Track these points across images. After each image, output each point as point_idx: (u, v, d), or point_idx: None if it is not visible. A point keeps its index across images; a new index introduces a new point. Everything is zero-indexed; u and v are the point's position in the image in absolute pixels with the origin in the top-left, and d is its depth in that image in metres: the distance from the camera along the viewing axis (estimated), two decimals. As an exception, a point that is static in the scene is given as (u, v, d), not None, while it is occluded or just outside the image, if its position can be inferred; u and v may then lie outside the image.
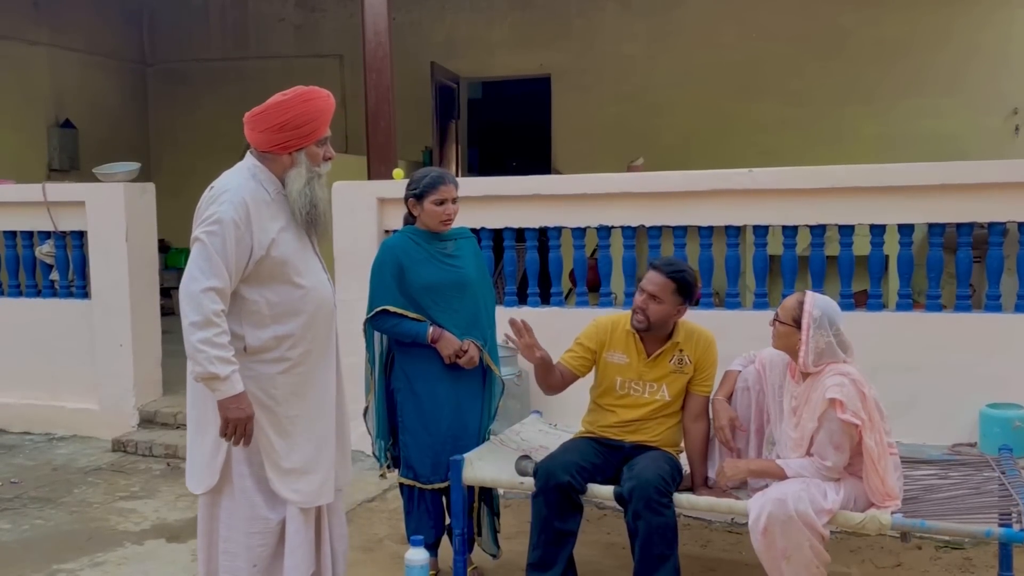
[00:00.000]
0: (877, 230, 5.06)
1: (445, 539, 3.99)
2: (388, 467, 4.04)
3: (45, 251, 6.69)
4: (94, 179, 6.50)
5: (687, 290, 3.69)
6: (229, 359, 2.97)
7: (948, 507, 3.42)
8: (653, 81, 9.74)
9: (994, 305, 4.94)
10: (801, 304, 3.44)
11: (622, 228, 5.46)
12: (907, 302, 5.10)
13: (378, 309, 3.80)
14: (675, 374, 3.73)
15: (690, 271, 3.75)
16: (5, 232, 6.78)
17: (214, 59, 11.24)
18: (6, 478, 5.62)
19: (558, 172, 9.45)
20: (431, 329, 3.77)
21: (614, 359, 3.78)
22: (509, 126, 12.07)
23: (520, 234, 5.76)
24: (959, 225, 4.94)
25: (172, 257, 10.71)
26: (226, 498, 3.16)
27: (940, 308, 5.02)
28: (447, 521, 3.95)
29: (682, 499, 3.53)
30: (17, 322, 6.69)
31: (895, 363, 4.78)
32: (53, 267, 6.68)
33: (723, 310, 5.36)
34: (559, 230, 5.61)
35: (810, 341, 3.39)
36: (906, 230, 5.03)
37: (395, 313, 3.78)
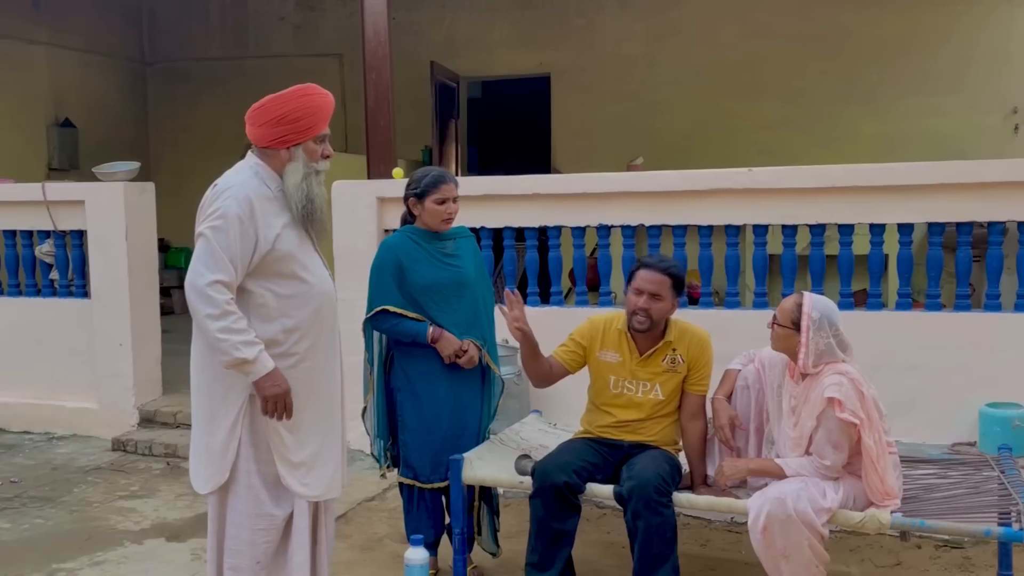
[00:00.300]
0: (877, 229, 5.06)
1: (445, 538, 3.99)
2: (388, 466, 4.04)
3: (45, 250, 6.69)
4: (94, 178, 6.50)
5: (681, 284, 3.73)
6: (253, 341, 3.01)
7: (947, 506, 3.42)
8: (653, 80, 9.74)
9: (994, 304, 4.94)
10: (799, 306, 3.44)
11: (622, 227, 5.46)
12: (907, 301, 5.10)
13: (377, 309, 3.80)
14: (668, 373, 3.73)
15: (679, 264, 3.85)
16: (5, 231, 6.77)
17: (214, 58, 11.24)
18: (6, 477, 5.62)
19: (558, 171, 9.46)
20: (431, 329, 3.77)
21: (607, 358, 3.78)
22: (509, 125, 12.08)
23: (520, 233, 5.76)
24: (959, 224, 4.94)
25: (172, 256, 10.71)
26: (232, 496, 3.19)
27: (940, 307, 5.02)
28: (447, 520, 3.95)
29: (682, 498, 3.53)
30: (17, 321, 6.69)
31: (894, 362, 4.78)
32: (53, 266, 6.68)
33: (723, 309, 5.36)
34: (559, 229, 5.61)
35: (810, 343, 3.39)
36: (906, 229, 5.04)
37: (394, 313, 3.78)
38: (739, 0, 9.51)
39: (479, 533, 3.98)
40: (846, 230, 5.09)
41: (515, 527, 4.32)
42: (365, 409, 4.03)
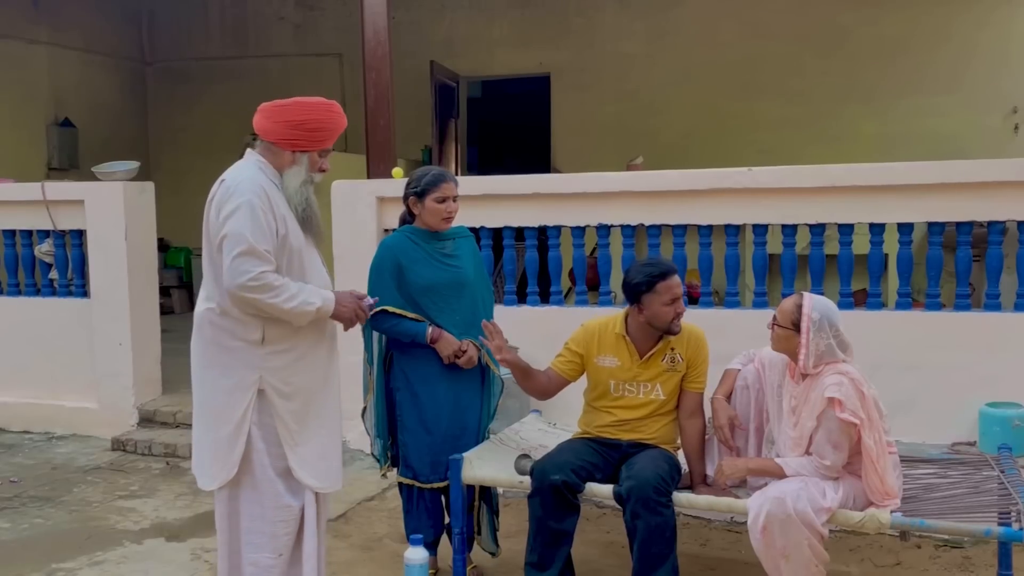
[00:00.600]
0: (876, 229, 5.06)
1: (444, 538, 3.99)
2: (387, 466, 4.04)
3: (44, 250, 6.68)
4: (93, 178, 6.50)
5: None
6: (309, 295, 3.18)
7: (947, 506, 3.42)
8: (652, 80, 9.74)
9: (993, 304, 4.94)
10: (799, 307, 3.44)
11: (621, 227, 5.46)
12: (906, 301, 5.10)
13: (377, 309, 3.80)
14: (668, 372, 3.73)
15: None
16: (4, 231, 6.77)
17: (213, 58, 11.24)
18: (5, 477, 5.62)
19: (557, 171, 9.46)
20: (430, 329, 3.76)
21: (605, 362, 3.77)
22: (508, 125, 12.08)
23: (519, 233, 5.76)
24: (958, 224, 4.94)
25: (171, 256, 10.71)
26: (247, 490, 3.24)
27: (939, 307, 5.02)
28: (446, 520, 3.95)
29: (681, 498, 3.53)
30: (16, 321, 6.69)
31: (894, 362, 4.78)
32: (52, 266, 6.68)
33: (723, 309, 5.35)
34: (558, 229, 5.61)
35: (810, 344, 3.39)
36: (905, 229, 5.03)
37: (394, 313, 3.78)
38: (739, 0, 9.51)
39: (479, 533, 3.97)
40: (846, 230, 5.09)
41: (515, 527, 4.32)
42: (365, 409, 4.03)
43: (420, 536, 3.57)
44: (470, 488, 3.82)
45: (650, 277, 3.62)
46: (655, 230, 5.39)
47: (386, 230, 5.64)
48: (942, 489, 3.60)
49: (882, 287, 5.21)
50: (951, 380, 4.81)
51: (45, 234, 6.66)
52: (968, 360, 4.81)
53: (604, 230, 5.54)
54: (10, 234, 6.77)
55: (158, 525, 4.78)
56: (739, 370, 3.75)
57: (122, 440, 6.17)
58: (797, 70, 9.28)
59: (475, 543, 3.99)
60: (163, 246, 9.91)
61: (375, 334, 3.95)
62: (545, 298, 5.72)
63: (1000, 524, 3.24)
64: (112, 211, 6.28)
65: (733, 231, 5.31)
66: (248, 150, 3.34)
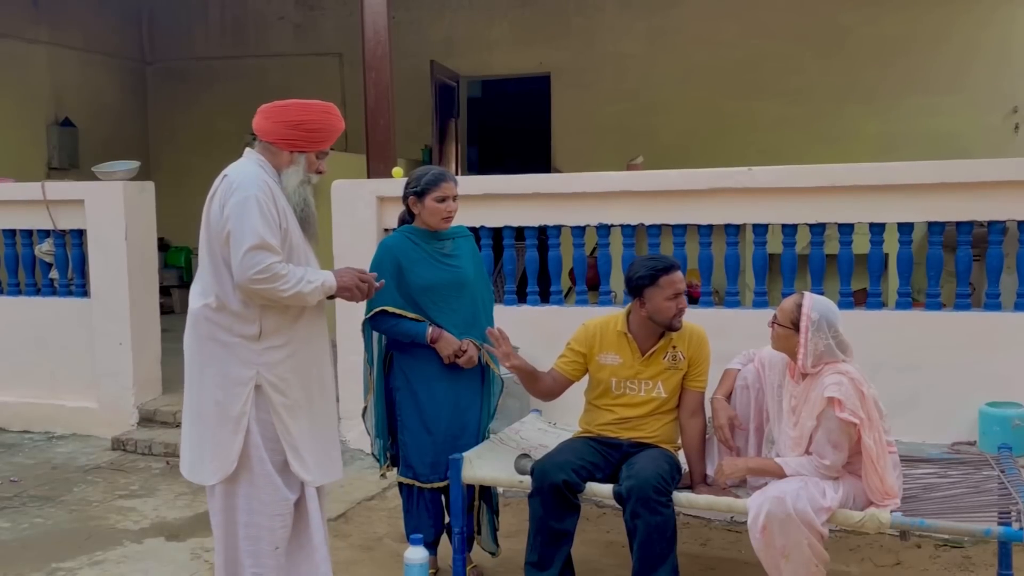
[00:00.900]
0: (877, 228, 5.06)
1: (444, 538, 3.99)
2: (387, 466, 4.04)
3: (44, 249, 6.68)
4: (93, 177, 6.50)
5: None
6: (312, 275, 3.23)
7: (947, 506, 3.42)
8: (652, 79, 9.74)
9: (994, 304, 4.93)
10: (799, 306, 3.44)
11: (621, 227, 5.46)
12: (907, 300, 5.10)
13: (377, 309, 3.80)
14: (670, 371, 3.74)
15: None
16: (4, 230, 6.77)
17: (213, 57, 11.24)
18: (5, 477, 5.62)
19: (558, 170, 9.45)
20: (430, 329, 3.76)
21: (607, 360, 3.77)
22: (508, 125, 12.07)
23: (520, 232, 5.75)
24: (959, 223, 4.94)
25: (171, 255, 10.71)
26: (244, 485, 3.27)
27: (940, 307, 5.01)
28: (446, 520, 3.95)
29: (681, 497, 3.53)
30: (16, 320, 6.69)
31: (895, 362, 4.78)
32: (52, 265, 6.68)
33: (723, 308, 5.35)
34: (559, 228, 5.61)
35: (808, 344, 3.39)
36: (906, 228, 5.03)
37: (394, 313, 3.78)
38: (739, 0, 9.51)
39: (479, 532, 3.97)
40: (846, 229, 5.08)
41: (515, 526, 4.32)
42: (365, 409, 4.03)
43: (420, 536, 3.57)
44: (470, 488, 3.82)
45: (653, 271, 3.63)
46: (655, 230, 5.39)
47: (386, 230, 5.64)
48: (942, 489, 3.60)
49: (882, 287, 5.21)
50: (951, 380, 4.81)
51: (45, 234, 6.66)
52: (968, 360, 4.81)
53: (604, 230, 5.54)
54: (10, 234, 6.77)
55: (158, 525, 4.78)
56: (739, 370, 3.75)
57: (122, 440, 6.17)
58: (797, 70, 9.27)
59: (475, 543, 3.99)
60: (163, 246, 9.91)
61: (375, 334, 3.95)
62: (545, 298, 5.72)
63: (1000, 524, 3.24)
64: (112, 211, 6.28)
65: (733, 231, 5.31)
66: (247, 149, 3.37)
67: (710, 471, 3.71)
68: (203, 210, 3.27)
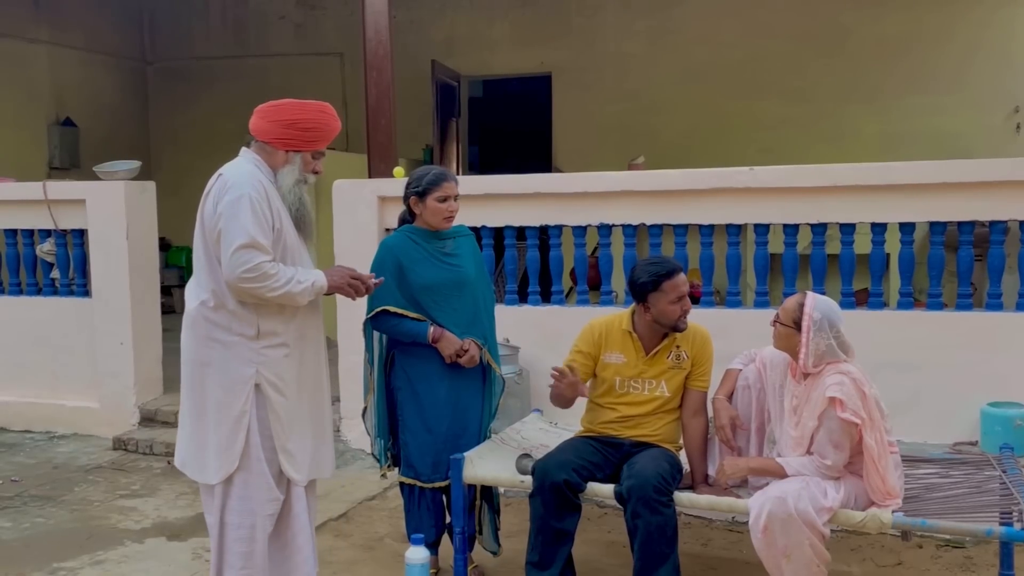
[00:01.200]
0: (878, 228, 5.05)
1: (446, 537, 3.99)
2: (388, 466, 4.04)
3: (46, 249, 6.68)
4: (94, 177, 6.50)
5: None
6: (301, 275, 3.24)
7: (949, 506, 3.42)
8: (654, 79, 9.73)
9: (995, 304, 4.93)
10: (801, 306, 3.44)
11: (623, 226, 5.46)
12: (908, 300, 5.10)
13: (378, 309, 3.80)
14: (673, 370, 3.74)
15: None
16: (6, 230, 6.78)
17: (214, 57, 11.24)
18: (7, 476, 5.62)
19: (559, 170, 9.45)
20: (431, 329, 3.76)
21: (612, 359, 3.78)
22: (509, 124, 12.07)
23: (521, 232, 5.75)
24: (960, 223, 4.93)
25: (172, 255, 10.72)
26: (238, 486, 3.29)
27: (941, 307, 5.01)
28: (447, 519, 3.95)
29: (682, 497, 3.53)
30: (18, 320, 6.69)
31: (896, 362, 4.77)
32: (54, 265, 6.68)
33: (724, 308, 5.35)
34: (560, 228, 5.61)
35: (810, 343, 3.39)
36: (907, 228, 5.03)
37: (395, 313, 3.78)
38: (740, -1, 9.52)
39: (480, 532, 3.97)
40: (847, 229, 5.08)
41: (516, 526, 4.32)
42: (365, 409, 4.03)
43: (421, 536, 3.58)
44: (471, 487, 3.82)
45: (656, 276, 3.63)
46: (656, 230, 5.38)
47: (387, 229, 5.63)
48: (944, 489, 3.59)
49: (884, 287, 5.21)
50: (953, 380, 4.81)
51: (47, 233, 6.66)
52: (970, 360, 4.81)
53: (606, 230, 5.53)
54: (11, 233, 6.77)
55: (159, 524, 4.78)
56: (740, 370, 3.75)
57: (123, 439, 6.17)
58: (799, 69, 9.27)
59: (476, 542, 3.99)
60: (164, 245, 9.91)
61: (376, 334, 3.95)
62: (546, 298, 5.72)
63: (1002, 524, 3.24)
64: (113, 210, 6.29)
65: (735, 231, 5.30)
66: (243, 149, 3.38)
67: (711, 471, 3.71)
68: (198, 209, 3.28)
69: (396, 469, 4.01)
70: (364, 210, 5.75)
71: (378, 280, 3.54)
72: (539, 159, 10.35)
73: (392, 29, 5.97)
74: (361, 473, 5.39)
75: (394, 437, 3.99)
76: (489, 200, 5.57)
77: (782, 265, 5.21)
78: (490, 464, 3.76)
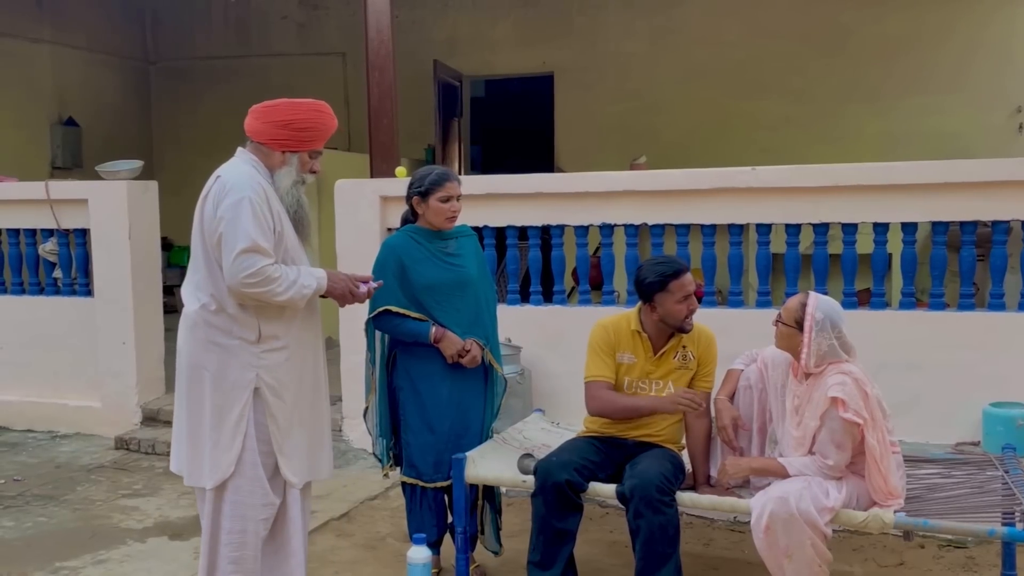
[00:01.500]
0: (880, 228, 5.05)
1: (447, 537, 3.99)
2: (390, 466, 4.04)
3: (48, 249, 6.69)
4: (97, 177, 6.50)
5: None
6: (305, 279, 3.24)
7: (951, 506, 3.42)
8: (655, 79, 9.73)
9: (997, 304, 4.93)
10: (804, 306, 3.44)
11: (625, 226, 5.46)
12: (910, 300, 5.09)
13: (380, 309, 3.80)
14: (680, 370, 3.74)
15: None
16: (8, 230, 6.79)
17: (217, 57, 11.24)
18: (9, 476, 5.63)
19: (561, 170, 9.45)
20: (433, 329, 3.76)
21: (624, 360, 3.78)
22: (511, 124, 12.07)
23: (523, 232, 5.75)
24: (962, 223, 4.93)
25: (175, 255, 10.72)
26: (232, 491, 3.26)
27: (943, 307, 5.01)
28: (449, 519, 3.95)
29: (684, 497, 3.53)
30: (20, 320, 6.70)
31: (898, 362, 4.77)
32: (56, 265, 6.69)
33: (726, 308, 5.35)
34: (562, 228, 5.61)
35: (812, 343, 3.39)
36: (909, 228, 5.03)
37: (397, 313, 3.78)
38: (742, -1, 9.52)
39: (482, 532, 3.97)
40: (850, 229, 5.08)
41: (518, 526, 4.32)
42: (367, 409, 4.03)
43: (423, 535, 3.58)
44: (473, 487, 3.82)
45: (663, 276, 3.62)
46: (658, 229, 5.38)
47: (389, 229, 5.64)
48: (946, 489, 3.59)
49: (886, 287, 5.21)
50: (955, 380, 4.80)
51: (49, 233, 6.67)
52: (972, 360, 4.81)
53: (607, 229, 5.53)
54: (14, 233, 6.78)
55: (161, 524, 4.79)
56: (742, 370, 3.75)
57: (125, 439, 6.18)
58: (800, 69, 9.26)
59: (478, 542, 3.99)
60: (166, 245, 9.91)
61: (378, 334, 3.95)
62: (548, 297, 5.72)
63: (1004, 524, 3.24)
64: (116, 210, 6.29)
65: (737, 230, 5.30)
66: (239, 149, 3.35)
67: (713, 471, 3.71)
68: (195, 211, 3.26)
69: (398, 469, 4.01)
70: (366, 210, 5.75)
71: (377, 283, 3.53)
72: (541, 159, 10.34)
73: (394, 29, 5.97)
74: (363, 473, 5.39)
75: (396, 437, 3.99)
76: (491, 200, 5.57)
77: (784, 265, 5.21)
78: (492, 464, 3.77)
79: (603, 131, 9.81)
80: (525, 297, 5.75)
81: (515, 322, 5.39)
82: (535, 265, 5.72)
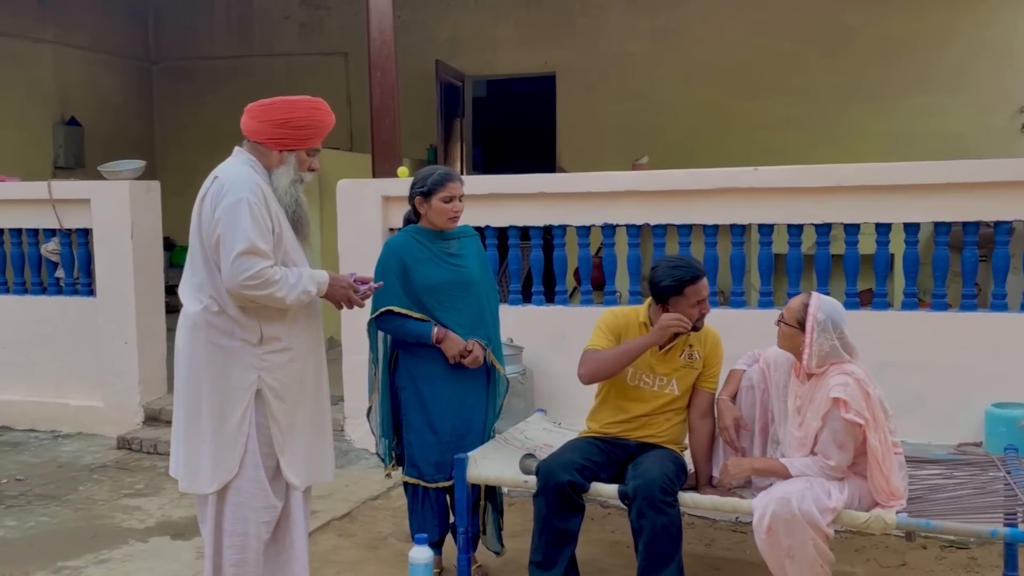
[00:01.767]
0: (883, 229, 5.05)
1: (449, 537, 3.99)
2: (392, 466, 4.04)
3: (50, 248, 6.70)
4: (99, 177, 6.51)
5: None
6: (306, 283, 3.23)
7: (953, 507, 3.42)
8: (658, 79, 9.73)
9: (1000, 304, 4.92)
10: (806, 306, 3.44)
11: (627, 226, 5.46)
12: (913, 301, 5.09)
13: (382, 309, 3.80)
14: (685, 369, 3.74)
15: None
16: (11, 229, 6.79)
17: (219, 57, 11.25)
18: (11, 475, 5.63)
19: (563, 170, 9.45)
20: (436, 329, 3.77)
21: None
22: (513, 124, 12.07)
23: (525, 232, 5.76)
24: (965, 224, 4.93)
25: (177, 255, 10.72)
26: (234, 493, 3.25)
27: (946, 307, 5.00)
28: (451, 519, 3.95)
29: (686, 498, 3.53)
30: (22, 319, 6.70)
31: (900, 362, 4.77)
32: (58, 264, 6.69)
33: (728, 308, 5.35)
34: (564, 228, 5.61)
35: (813, 344, 3.39)
36: (912, 229, 5.02)
37: (399, 313, 3.78)
38: (744, -1, 9.52)
39: (483, 532, 3.97)
40: (852, 229, 5.08)
41: (519, 526, 4.32)
42: (370, 409, 4.03)
43: (425, 535, 3.58)
44: (475, 487, 3.82)
45: (679, 281, 3.59)
46: (660, 230, 5.38)
47: (391, 229, 5.63)
48: (948, 490, 3.59)
49: (888, 287, 5.20)
50: (957, 380, 4.80)
51: (51, 233, 6.67)
52: (974, 360, 4.80)
53: (609, 230, 5.53)
54: (16, 233, 6.78)
55: (163, 523, 4.79)
56: (744, 370, 3.75)
57: (127, 438, 6.18)
58: (802, 69, 9.26)
59: (480, 542, 3.99)
60: (169, 245, 9.89)
61: (380, 334, 3.95)
62: (550, 298, 5.72)
63: (1006, 525, 3.24)
64: (118, 210, 6.30)
65: (739, 231, 5.30)
66: (236, 148, 3.34)
67: (715, 472, 3.71)
68: (193, 211, 3.25)
69: (400, 469, 4.01)
70: (368, 210, 5.75)
71: (377, 284, 3.52)
72: (543, 159, 10.34)
73: (396, 29, 5.97)
74: (365, 472, 5.40)
75: (398, 437, 3.99)
76: (493, 200, 5.57)
77: (786, 265, 5.20)
78: (494, 464, 3.77)
79: (605, 131, 9.81)
80: (527, 297, 5.75)
81: (517, 322, 5.39)
82: (537, 265, 5.72)
